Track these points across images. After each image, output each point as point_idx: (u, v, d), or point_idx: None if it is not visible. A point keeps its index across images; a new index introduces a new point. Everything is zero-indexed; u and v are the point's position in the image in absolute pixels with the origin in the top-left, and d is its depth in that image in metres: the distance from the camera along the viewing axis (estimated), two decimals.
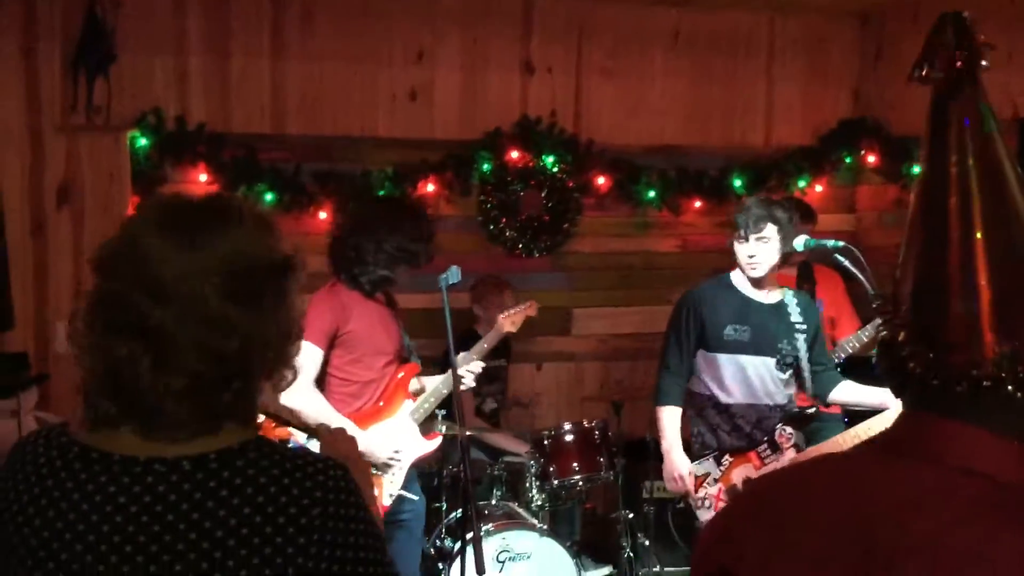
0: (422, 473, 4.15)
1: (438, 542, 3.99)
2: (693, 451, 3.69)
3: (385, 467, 3.57)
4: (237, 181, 4.82)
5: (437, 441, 3.79)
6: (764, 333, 3.60)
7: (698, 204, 5.56)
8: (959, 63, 1.06)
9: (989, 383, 0.98)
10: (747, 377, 3.60)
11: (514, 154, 5.24)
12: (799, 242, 3.59)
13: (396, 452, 3.60)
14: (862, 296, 4.19)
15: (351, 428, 3.33)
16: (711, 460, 3.62)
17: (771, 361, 3.61)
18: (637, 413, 4.84)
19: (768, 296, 3.65)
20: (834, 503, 1.04)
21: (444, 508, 4.09)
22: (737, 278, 3.67)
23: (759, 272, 3.57)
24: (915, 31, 5.29)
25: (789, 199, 4.46)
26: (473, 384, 3.77)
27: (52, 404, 4.16)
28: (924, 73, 1.07)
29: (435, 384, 3.76)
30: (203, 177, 4.79)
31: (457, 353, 3.45)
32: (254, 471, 1.19)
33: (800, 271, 4.59)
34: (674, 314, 3.73)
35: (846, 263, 3.64)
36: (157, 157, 4.71)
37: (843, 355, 4.16)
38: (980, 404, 0.98)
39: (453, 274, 3.40)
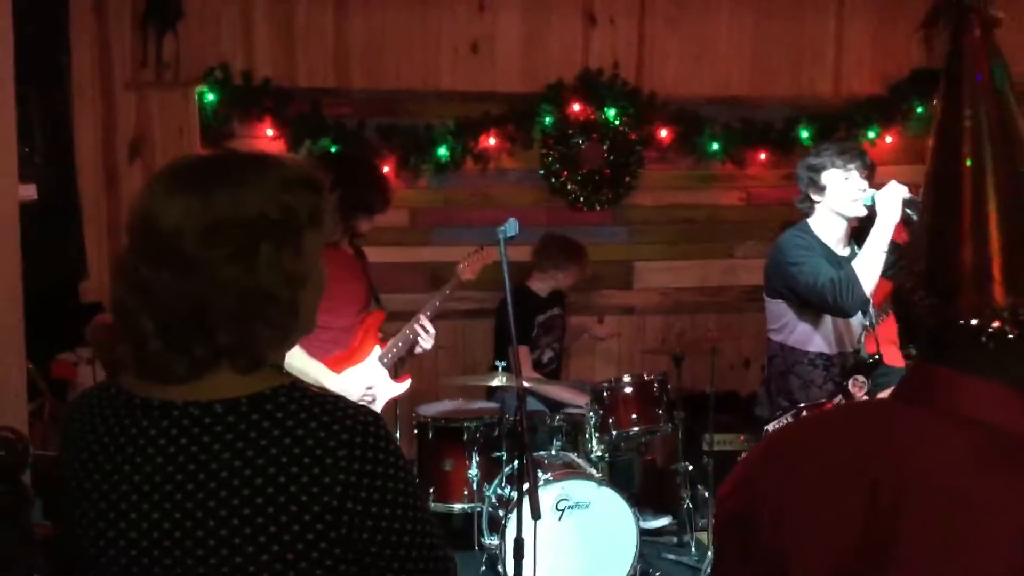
0: (483, 424, 4.22)
1: (499, 490, 4.06)
2: (776, 407, 3.61)
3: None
4: (302, 136, 4.89)
5: (407, 384, 3.89)
6: None
7: (763, 156, 5.48)
8: (969, 21, 1.07)
9: (990, 331, 0.99)
10: (838, 325, 3.55)
11: (576, 107, 5.21)
12: (867, 196, 3.51)
13: (369, 389, 3.72)
14: None
15: (325, 373, 3.50)
16: (789, 418, 3.57)
17: None
18: (698, 366, 4.83)
19: (843, 251, 3.59)
20: (843, 444, 1.08)
21: (503, 458, 4.16)
22: (820, 229, 3.55)
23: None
24: None
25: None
26: (427, 338, 3.81)
27: None
28: (935, 29, 1.08)
29: (401, 332, 3.88)
30: (269, 132, 4.87)
31: (514, 307, 3.47)
32: (282, 414, 1.24)
33: (866, 225, 4.49)
34: (791, 250, 3.48)
35: (914, 216, 3.55)
36: (224, 112, 4.80)
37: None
38: (981, 353, 1.00)
39: (511, 227, 3.39)
